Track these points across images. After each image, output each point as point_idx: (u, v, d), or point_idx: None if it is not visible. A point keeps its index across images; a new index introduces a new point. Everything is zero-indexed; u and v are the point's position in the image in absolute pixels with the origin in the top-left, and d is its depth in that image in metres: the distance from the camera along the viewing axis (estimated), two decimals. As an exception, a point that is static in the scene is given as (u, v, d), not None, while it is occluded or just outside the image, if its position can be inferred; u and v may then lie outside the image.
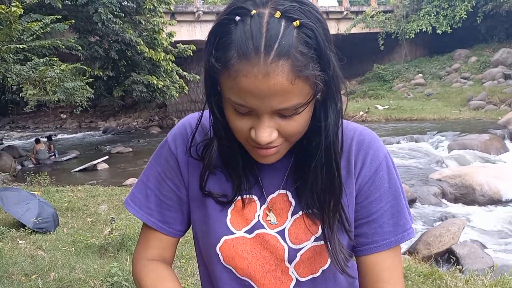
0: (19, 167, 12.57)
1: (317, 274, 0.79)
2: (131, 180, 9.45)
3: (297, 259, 0.78)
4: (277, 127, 0.68)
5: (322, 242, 0.77)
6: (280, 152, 0.73)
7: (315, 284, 0.80)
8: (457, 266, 4.16)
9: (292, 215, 0.79)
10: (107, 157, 12.71)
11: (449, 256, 4.70)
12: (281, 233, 0.78)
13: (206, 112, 0.83)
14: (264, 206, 0.80)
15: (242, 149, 0.76)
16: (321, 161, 0.72)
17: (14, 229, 4.81)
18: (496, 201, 6.96)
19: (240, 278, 0.80)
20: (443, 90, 18.77)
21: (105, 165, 12.09)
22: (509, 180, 7.31)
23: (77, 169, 11.75)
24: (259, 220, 0.79)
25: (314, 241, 0.77)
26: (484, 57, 19.95)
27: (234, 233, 0.79)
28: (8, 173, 10.40)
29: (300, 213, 0.79)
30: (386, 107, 16.95)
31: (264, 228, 0.79)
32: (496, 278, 3.54)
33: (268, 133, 0.67)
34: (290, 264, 0.78)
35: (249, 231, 0.79)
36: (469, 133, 10.68)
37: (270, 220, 0.79)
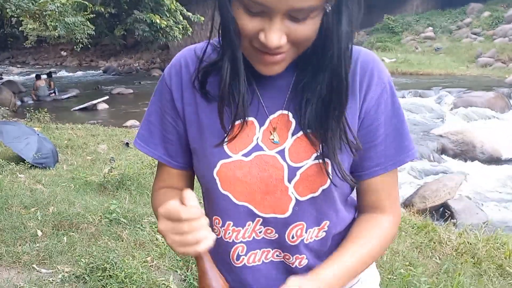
0: (18, 102, 12.50)
1: (317, 193, 0.78)
2: (132, 122, 9.42)
3: (297, 177, 0.77)
4: (287, 32, 0.65)
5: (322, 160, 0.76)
6: (286, 61, 0.70)
7: (314, 203, 0.79)
8: (451, 220, 4.21)
9: (293, 135, 0.78)
10: (107, 97, 12.61)
11: (444, 211, 4.77)
12: (281, 152, 0.77)
13: (201, 44, 0.83)
14: (263, 127, 0.79)
15: (246, 68, 0.73)
16: (329, 73, 0.71)
17: (13, 163, 4.83)
18: (495, 160, 6.97)
19: (237, 204, 0.80)
20: (452, 45, 18.35)
21: (105, 106, 12.03)
22: (510, 139, 7.29)
23: (77, 108, 11.69)
24: (257, 143, 0.78)
25: (314, 159, 0.76)
26: (497, 13, 19.32)
27: (231, 157, 0.78)
28: (7, 108, 10.35)
29: (301, 133, 0.77)
30: (393, 60, 16.63)
31: (262, 150, 0.78)
32: (489, 233, 3.59)
33: (278, 36, 0.65)
34: (290, 183, 0.77)
35: (247, 154, 0.78)
36: (474, 90, 10.53)
37: (273, 139, 0.78)
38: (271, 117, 0.78)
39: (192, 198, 0.64)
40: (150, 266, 2.70)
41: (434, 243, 3.47)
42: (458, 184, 5.21)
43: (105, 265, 2.50)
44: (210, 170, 0.79)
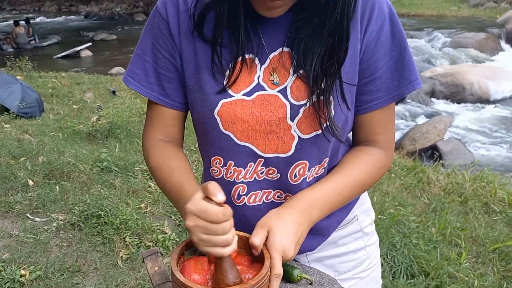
0: (-3, 51, 12.07)
1: (320, 131, 0.76)
2: (117, 69, 9.19)
3: (300, 115, 0.75)
4: None
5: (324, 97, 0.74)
6: (286, 5, 0.69)
7: (317, 141, 0.77)
8: (440, 161, 4.28)
9: (294, 72, 0.75)
10: (90, 44, 12.21)
11: (432, 152, 4.83)
12: (283, 91, 0.75)
13: None
14: (264, 66, 0.76)
15: (246, 5, 0.70)
16: (331, 20, 0.68)
17: (-3, 113, 4.72)
18: (484, 101, 7.01)
19: (239, 144, 0.77)
20: (444, -16, 17.90)
21: (89, 52, 11.67)
22: (499, 81, 7.30)
23: (59, 55, 11.34)
24: (259, 82, 0.76)
25: (316, 96, 0.74)
26: (492, -51, 18.70)
27: (233, 96, 0.75)
28: (-13, 57, 9.98)
29: (301, 70, 0.74)
30: (383, 0, 16.26)
31: (264, 89, 0.75)
32: (476, 173, 3.66)
33: None
34: (293, 122, 0.75)
35: (248, 94, 0.75)
36: (466, 31, 10.40)
37: (273, 80, 0.75)
38: (272, 54, 0.75)
39: (221, 193, 0.59)
40: (144, 212, 2.71)
41: (423, 183, 3.54)
42: (447, 126, 5.26)
43: (100, 212, 2.51)
44: (210, 110, 0.76)
